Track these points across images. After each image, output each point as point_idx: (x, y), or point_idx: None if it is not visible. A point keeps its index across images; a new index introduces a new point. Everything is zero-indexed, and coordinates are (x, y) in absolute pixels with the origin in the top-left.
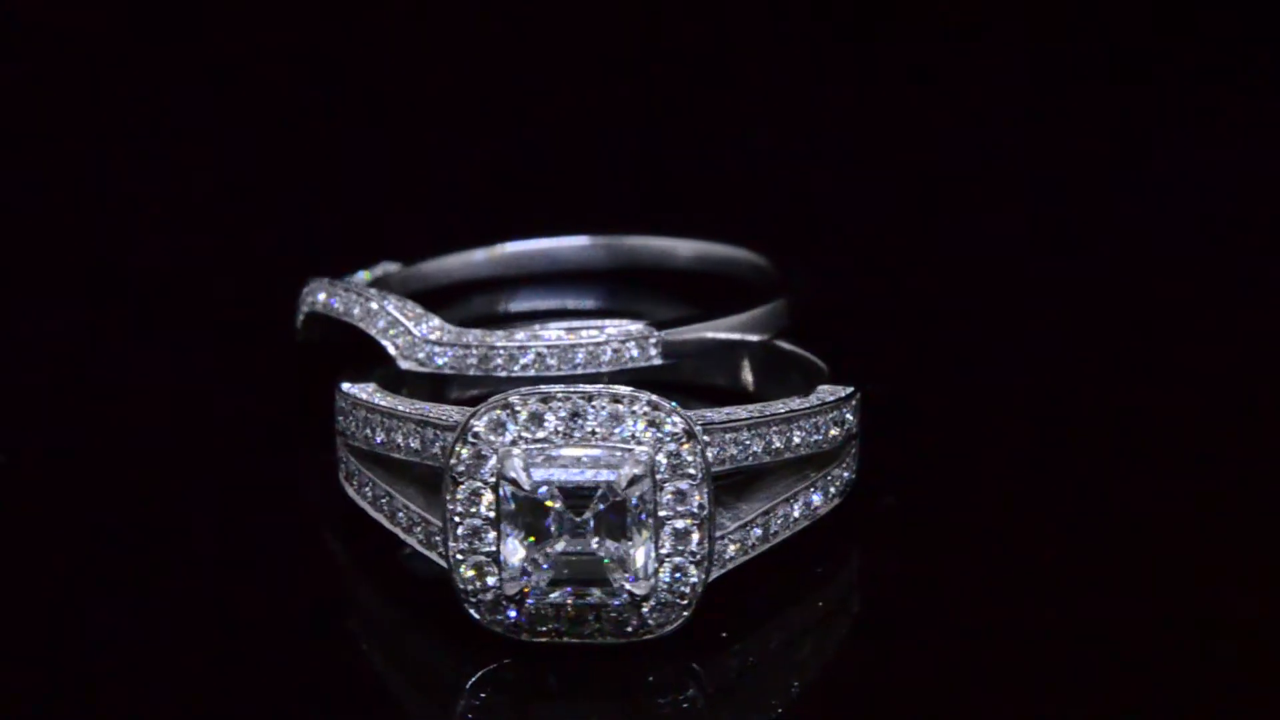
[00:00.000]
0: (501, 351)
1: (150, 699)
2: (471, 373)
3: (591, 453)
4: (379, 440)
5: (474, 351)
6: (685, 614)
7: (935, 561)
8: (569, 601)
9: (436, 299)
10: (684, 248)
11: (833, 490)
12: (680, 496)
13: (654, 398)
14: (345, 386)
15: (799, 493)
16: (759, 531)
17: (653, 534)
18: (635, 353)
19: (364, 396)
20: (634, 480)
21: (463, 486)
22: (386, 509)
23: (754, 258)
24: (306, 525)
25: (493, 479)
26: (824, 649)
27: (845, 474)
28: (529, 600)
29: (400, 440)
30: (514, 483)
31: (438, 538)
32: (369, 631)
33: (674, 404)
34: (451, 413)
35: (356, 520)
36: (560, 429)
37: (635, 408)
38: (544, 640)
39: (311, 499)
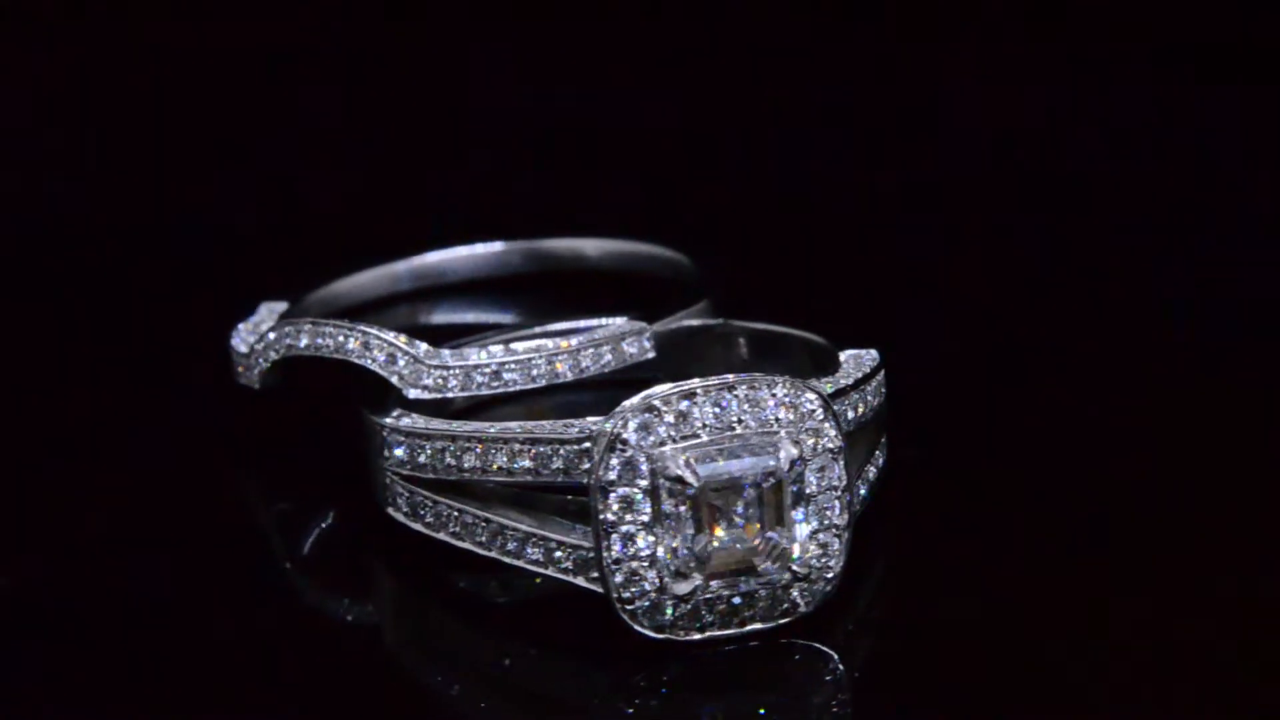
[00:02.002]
0: (513, 366)
1: None
2: (483, 391)
3: (745, 442)
4: (469, 465)
5: (483, 369)
6: (831, 588)
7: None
8: (729, 593)
9: (355, 317)
10: (600, 247)
11: (883, 452)
12: (823, 472)
13: (786, 379)
14: (412, 418)
15: (875, 454)
16: (863, 492)
17: (805, 512)
18: (634, 350)
19: (440, 426)
20: (791, 463)
21: (615, 495)
22: (483, 535)
23: (671, 254)
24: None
25: (645, 482)
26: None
27: (883, 436)
28: (692, 598)
29: (502, 463)
30: (678, 481)
31: (560, 553)
32: (519, 668)
33: (806, 381)
34: (566, 427)
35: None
36: (708, 423)
37: (774, 391)
38: (703, 636)
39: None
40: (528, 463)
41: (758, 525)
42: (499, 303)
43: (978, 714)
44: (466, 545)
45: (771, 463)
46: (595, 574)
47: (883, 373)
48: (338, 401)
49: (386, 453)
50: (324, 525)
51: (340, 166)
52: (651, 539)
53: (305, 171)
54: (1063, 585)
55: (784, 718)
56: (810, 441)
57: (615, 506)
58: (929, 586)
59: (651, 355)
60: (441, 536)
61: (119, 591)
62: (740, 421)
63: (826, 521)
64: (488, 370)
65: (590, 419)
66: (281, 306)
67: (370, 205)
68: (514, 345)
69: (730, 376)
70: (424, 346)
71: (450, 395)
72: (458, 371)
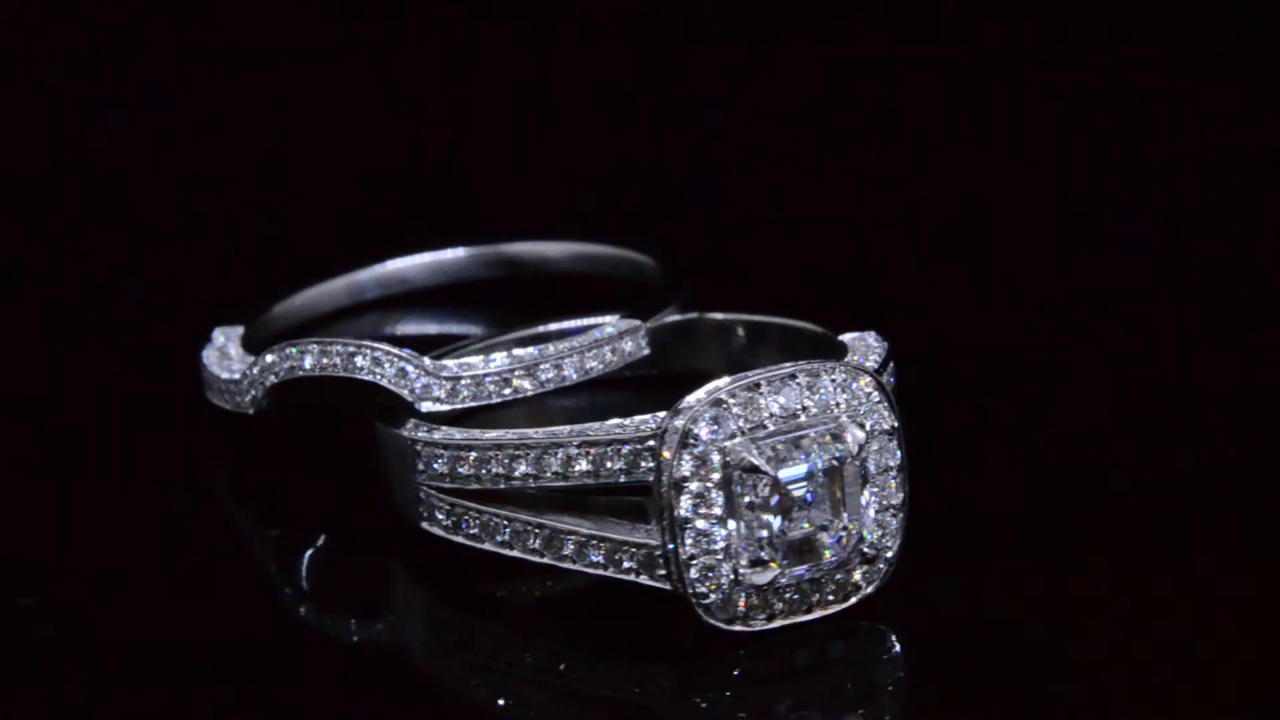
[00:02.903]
0: (521, 373)
1: None
2: (493, 400)
3: (811, 429)
4: (521, 472)
5: (492, 378)
6: (891, 568)
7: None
8: (802, 578)
9: (322, 331)
10: (562, 250)
11: None
12: (881, 453)
13: (842, 363)
14: (442, 430)
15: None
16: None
17: (870, 493)
18: (631, 347)
19: (481, 435)
20: (860, 446)
21: (688, 491)
22: (536, 541)
23: (635, 255)
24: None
25: (718, 475)
26: None
27: None
28: (767, 586)
29: (557, 467)
30: (752, 472)
31: (623, 553)
32: (589, 676)
33: (859, 365)
34: (617, 427)
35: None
36: (774, 412)
37: (833, 376)
38: (774, 625)
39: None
40: (586, 465)
41: (831, 510)
42: (467, 309)
43: (1036, 685)
44: (515, 553)
45: (840, 447)
46: (663, 571)
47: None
48: (314, 421)
49: (422, 467)
50: (316, 547)
51: (285, 176)
52: (725, 532)
53: (246, 186)
54: (1101, 564)
55: (854, 701)
56: (869, 423)
57: (689, 502)
58: (966, 566)
59: (646, 352)
60: (487, 546)
61: (132, 628)
62: (804, 409)
63: (885, 502)
64: (497, 378)
65: (639, 418)
66: (236, 330)
67: (317, 217)
68: (516, 351)
69: (788, 365)
70: (427, 359)
71: (461, 406)
72: (469, 381)
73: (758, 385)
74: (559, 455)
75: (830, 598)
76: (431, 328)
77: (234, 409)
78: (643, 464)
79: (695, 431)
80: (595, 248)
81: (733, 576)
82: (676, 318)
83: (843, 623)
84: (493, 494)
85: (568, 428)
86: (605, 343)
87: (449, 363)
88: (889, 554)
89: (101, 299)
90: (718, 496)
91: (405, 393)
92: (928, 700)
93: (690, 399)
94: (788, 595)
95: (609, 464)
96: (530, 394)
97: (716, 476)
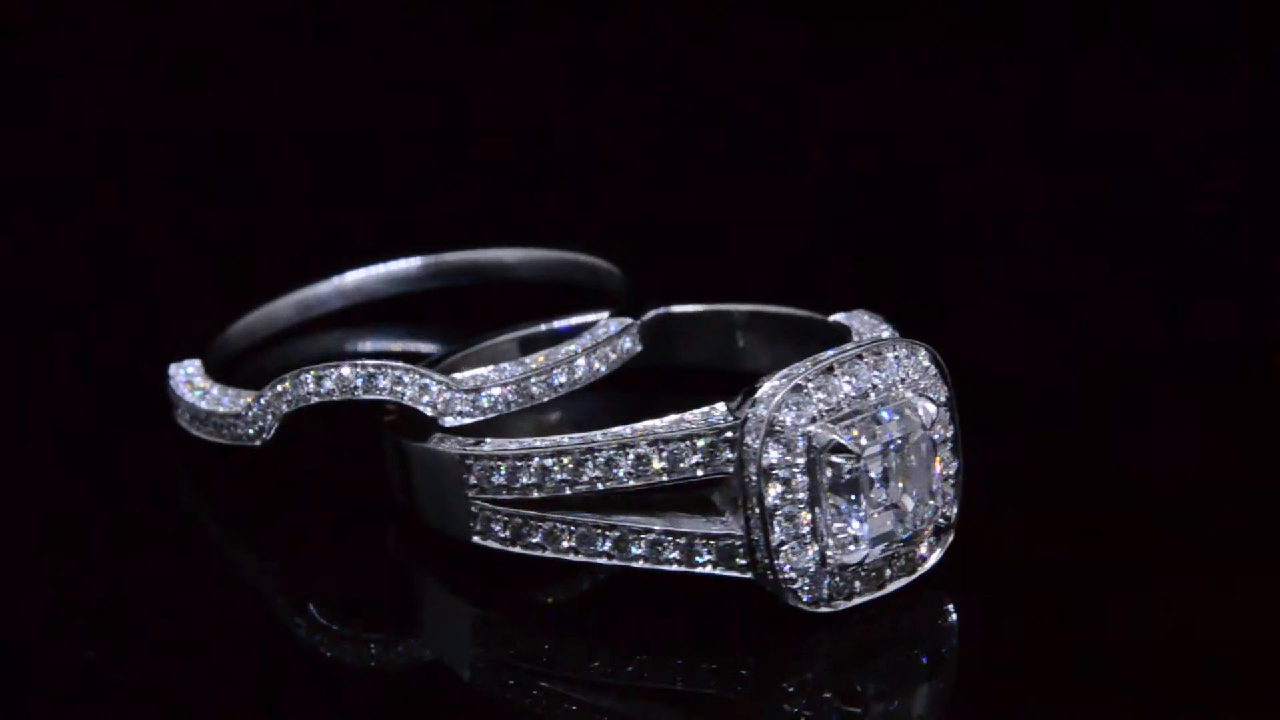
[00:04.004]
0: (536, 379)
1: None
2: (512, 409)
3: (884, 406)
4: (589, 476)
5: (511, 387)
6: (951, 536)
7: None
8: (882, 554)
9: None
10: (520, 256)
11: None
12: (944, 424)
13: (900, 339)
14: (488, 442)
15: None
16: None
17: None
18: (629, 345)
19: (535, 443)
20: (932, 419)
21: (777, 478)
22: (606, 544)
23: (592, 260)
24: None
25: (803, 460)
26: None
27: None
28: (854, 566)
29: (628, 468)
30: (838, 453)
31: (699, 546)
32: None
33: (913, 340)
34: (680, 423)
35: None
36: (847, 393)
37: (896, 352)
38: (854, 603)
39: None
40: (661, 463)
41: (910, 484)
42: (433, 319)
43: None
44: (580, 558)
45: (915, 421)
46: (744, 561)
47: None
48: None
49: (475, 480)
50: (344, 571)
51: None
52: (810, 516)
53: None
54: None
55: (931, 674)
56: (933, 398)
57: (777, 489)
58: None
59: (640, 349)
60: (548, 554)
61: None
62: (874, 387)
63: (944, 472)
64: (515, 387)
65: (698, 411)
66: (193, 362)
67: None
68: (527, 359)
69: (851, 346)
70: (438, 375)
71: (483, 418)
72: (489, 393)
73: (831, 368)
74: (630, 455)
75: (900, 571)
76: (398, 339)
77: (233, 442)
78: (722, 455)
79: (780, 418)
80: (553, 253)
81: (819, 560)
82: (686, 309)
83: (907, 595)
84: (543, 502)
85: (627, 428)
86: (607, 342)
87: (463, 375)
88: (950, 523)
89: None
90: (803, 480)
91: (427, 409)
92: (999, 664)
93: (769, 386)
94: (867, 573)
95: (686, 459)
96: (545, 400)
97: (802, 461)
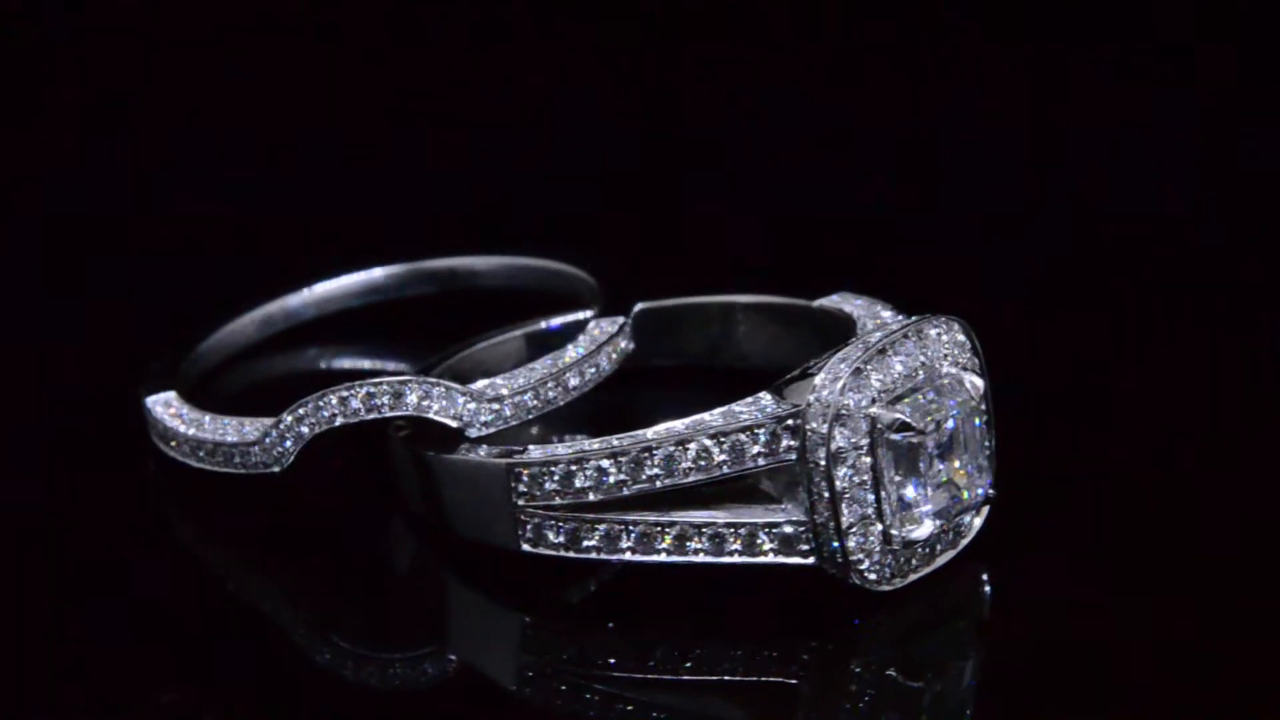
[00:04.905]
0: (551, 384)
1: None
2: (531, 415)
3: (934, 383)
4: (648, 474)
5: (529, 394)
6: (990, 506)
7: None
8: (941, 528)
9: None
10: (489, 263)
11: None
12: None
13: (937, 316)
14: (532, 449)
15: None
16: None
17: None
18: (625, 344)
19: (585, 446)
20: (981, 393)
21: (844, 462)
22: (666, 541)
23: (562, 266)
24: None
25: (866, 442)
26: None
27: None
28: (918, 543)
29: (689, 463)
30: (901, 431)
31: (762, 536)
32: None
33: (950, 316)
34: (732, 416)
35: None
36: (900, 372)
37: (937, 329)
38: (910, 579)
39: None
40: (724, 456)
41: (965, 459)
42: (408, 329)
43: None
44: (637, 557)
45: (966, 395)
46: (806, 546)
47: None
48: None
49: (524, 489)
50: (337, 593)
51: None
52: (873, 497)
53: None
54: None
55: (981, 646)
56: (974, 372)
57: (845, 472)
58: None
59: (633, 347)
60: (606, 556)
61: None
62: (923, 365)
63: (987, 446)
64: (533, 393)
65: (746, 402)
66: (168, 394)
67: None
68: (535, 365)
69: (895, 326)
70: (458, 385)
71: (504, 426)
72: (510, 401)
73: (884, 349)
74: (690, 450)
75: (950, 544)
76: (375, 350)
77: (245, 471)
78: (782, 443)
79: (844, 402)
80: (524, 260)
81: (883, 540)
82: (683, 302)
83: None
84: (591, 506)
85: (679, 423)
86: (609, 341)
87: (479, 385)
88: (987, 494)
89: None
90: (867, 462)
91: (454, 422)
92: (1046, 631)
93: (826, 372)
94: (921, 549)
95: (749, 449)
96: (560, 404)
97: (865, 443)
